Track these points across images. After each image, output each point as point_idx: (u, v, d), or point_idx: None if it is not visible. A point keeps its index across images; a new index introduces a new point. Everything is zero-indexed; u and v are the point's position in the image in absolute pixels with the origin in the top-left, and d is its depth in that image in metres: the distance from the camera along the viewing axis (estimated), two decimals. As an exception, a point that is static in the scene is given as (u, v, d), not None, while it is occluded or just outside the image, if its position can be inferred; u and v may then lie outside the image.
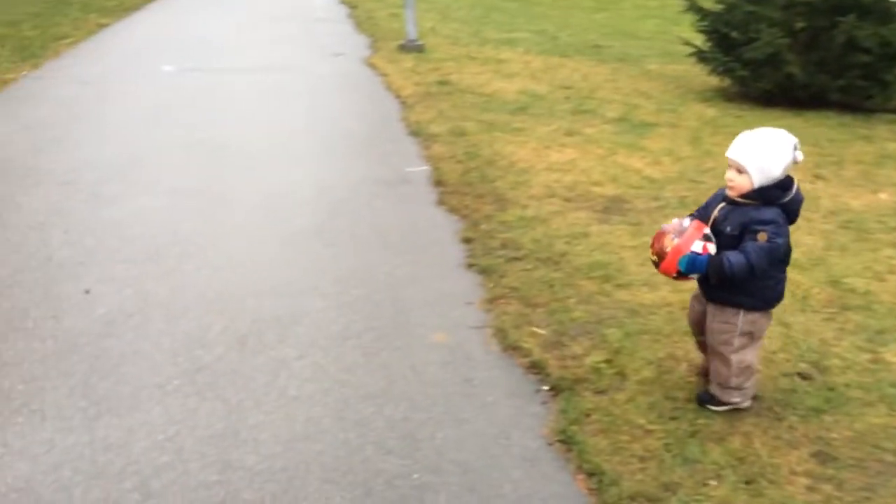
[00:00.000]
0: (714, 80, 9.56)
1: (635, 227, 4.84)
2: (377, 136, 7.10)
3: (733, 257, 2.79)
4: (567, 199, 5.28)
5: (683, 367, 3.32)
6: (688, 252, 2.80)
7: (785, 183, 2.85)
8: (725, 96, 8.96)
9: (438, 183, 5.70)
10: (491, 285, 4.10)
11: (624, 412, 3.01)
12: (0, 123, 7.09)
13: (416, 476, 2.74)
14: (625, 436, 2.89)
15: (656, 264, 2.89)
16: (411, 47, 11.29)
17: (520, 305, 3.87)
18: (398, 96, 8.48)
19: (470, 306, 3.91)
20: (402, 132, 7.14)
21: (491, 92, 8.61)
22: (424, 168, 6.08)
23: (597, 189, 5.50)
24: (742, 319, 2.92)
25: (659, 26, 15.48)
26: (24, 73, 9.28)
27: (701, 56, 9.28)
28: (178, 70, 9.75)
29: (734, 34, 8.78)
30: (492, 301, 3.94)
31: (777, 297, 2.97)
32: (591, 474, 2.71)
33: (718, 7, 9.14)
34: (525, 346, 3.50)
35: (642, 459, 2.77)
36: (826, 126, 7.82)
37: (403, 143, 6.81)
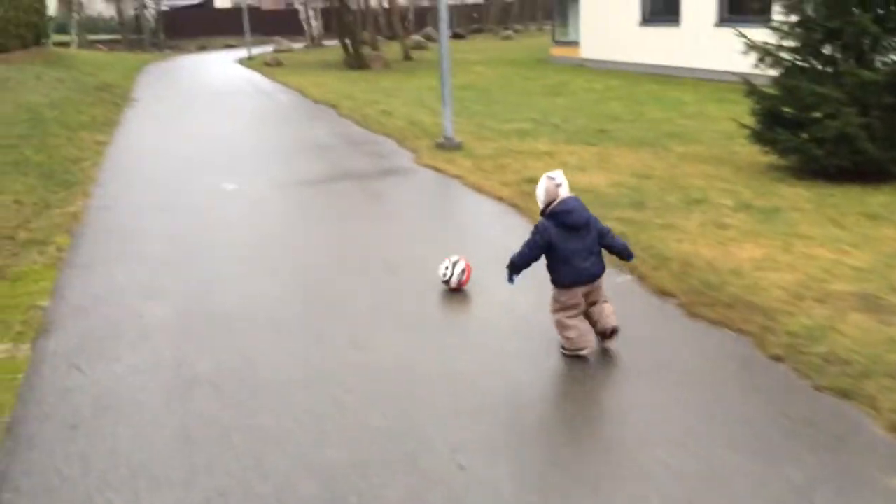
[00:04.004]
0: (763, 158, 9.82)
1: (920, 323, 4.71)
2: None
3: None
4: (819, 300, 5.10)
5: None
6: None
7: (548, 203, 4.40)
8: (793, 174, 9.15)
9: (663, 293, 5.42)
10: (874, 413, 3.81)
11: None
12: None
13: None
14: None
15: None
16: (450, 145, 11.07)
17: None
18: (499, 198, 8.19)
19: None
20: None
21: (585, 187, 8.45)
22: (627, 278, 5.79)
23: (830, 286, 5.35)
24: (553, 290, 4.51)
25: (628, 107, 15.94)
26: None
27: (759, 136, 9.51)
28: (241, 188, 9.13)
29: (794, 114, 9.10)
30: None
31: (565, 281, 4.41)
32: None
33: (773, 90, 9.45)
34: None
35: None
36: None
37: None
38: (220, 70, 29.46)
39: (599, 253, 4.51)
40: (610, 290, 5.55)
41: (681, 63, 21.25)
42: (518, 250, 4.45)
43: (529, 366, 4.45)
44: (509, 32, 46.78)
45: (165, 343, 4.82)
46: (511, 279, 4.54)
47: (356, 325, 5.03)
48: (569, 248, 4.33)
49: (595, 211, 7.71)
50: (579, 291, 4.41)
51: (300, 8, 46.52)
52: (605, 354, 4.56)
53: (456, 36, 46.95)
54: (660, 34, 22.30)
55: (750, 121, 9.83)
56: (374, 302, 5.44)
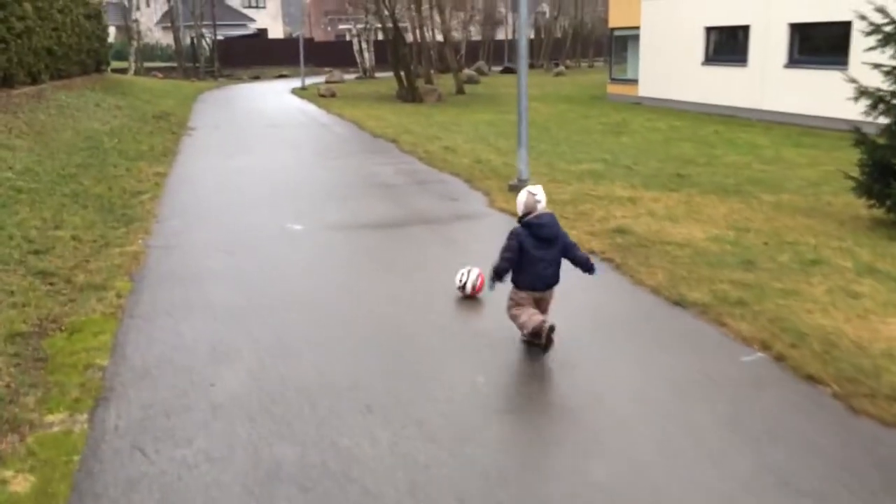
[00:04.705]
0: (864, 212, 8.98)
1: None
2: (629, 309, 6.01)
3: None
4: None
5: None
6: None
7: (525, 213, 4.96)
8: (905, 230, 8.29)
9: (810, 378, 4.62)
10: None
11: None
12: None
13: None
14: None
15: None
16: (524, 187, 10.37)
17: None
18: (590, 251, 7.43)
19: None
20: (656, 303, 6.07)
21: (682, 241, 7.68)
22: (759, 355, 5.00)
23: None
24: (511, 289, 5.01)
25: (699, 150, 15.15)
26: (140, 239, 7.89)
27: (867, 188, 8.67)
28: (306, 229, 8.53)
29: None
30: None
31: (525, 284, 4.97)
32: None
33: (883, 140, 8.63)
34: None
35: None
36: None
37: (679, 319, 5.72)
38: (275, 100, 29.31)
39: (559, 264, 5.03)
40: (742, 371, 4.79)
41: (747, 104, 20.42)
42: (498, 260, 4.98)
43: (673, 476, 3.69)
44: (561, 68, 46.23)
45: (241, 421, 4.16)
46: (492, 286, 5.06)
47: (459, 410, 4.31)
48: (536, 255, 4.87)
49: (701, 271, 7.00)
50: (534, 295, 4.98)
51: (354, 40, 46.57)
52: (769, 467, 3.77)
53: (508, 70, 46.55)
54: (724, 74, 21.50)
55: (854, 171, 9.01)
56: (472, 379, 4.72)
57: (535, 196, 4.96)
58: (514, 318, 4.98)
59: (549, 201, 9.98)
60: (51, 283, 6.37)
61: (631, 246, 7.53)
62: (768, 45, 19.81)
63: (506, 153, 14.31)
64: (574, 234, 7.97)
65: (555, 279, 5.02)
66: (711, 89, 21.86)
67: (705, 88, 22.14)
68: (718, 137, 17.06)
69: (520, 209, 5.03)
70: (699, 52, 22.56)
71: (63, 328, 5.52)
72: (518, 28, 10.75)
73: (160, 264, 7.11)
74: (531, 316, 4.86)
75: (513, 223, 9.11)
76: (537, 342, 4.85)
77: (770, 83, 19.84)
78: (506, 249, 4.92)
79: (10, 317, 5.49)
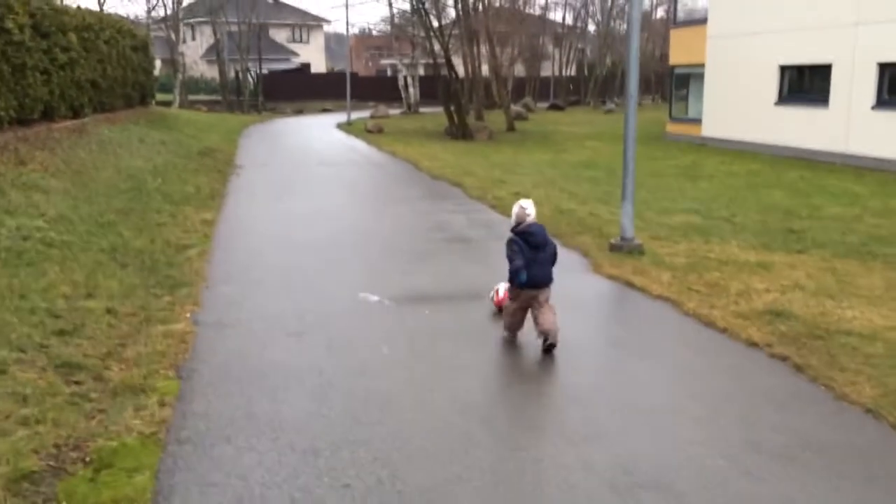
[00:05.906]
0: None
1: None
2: (850, 445, 4.34)
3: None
4: None
5: None
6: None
7: (517, 223, 5.69)
8: None
9: None
10: None
11: None
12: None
13: None
14: None
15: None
16: (630, 248, 8.76)
17: None
18: (749, 342, 5.79)
19: None
20: (884, 435, 4.39)
21: (864, 331, 5.99)
22: None
23: None
24: (507, 286, 5.87)
25: (793, 198, 13.46)
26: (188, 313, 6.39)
27: None
28: (385, 301, 6.98)
29: None
30: None
31: (519, 284, 5.57)
32: None
33: None
34: None
35: None
36: None
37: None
38: (321, 135, 28.07)
39: (550, 265, 5.70)
40: None
41: (828, 147, 18.68)
42: (511, 266, 5.59)
43: None
44: (612, 106, 44.66)
45: None
46: (521, 284, 5.58)
47: None
48: (529, 258, 5.55)
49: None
50: (527, 293, 5.62)
51: (399, 75, 45.49)
52: None
53: (554, 107, 45.24)
54: (801, 115, 19.79)
55: None
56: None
57: (525, 210, 5.69)
58: (506, 310, 5.89)
59: (661, 265, 8.40)
60: (76, 383, 4.86)
61: (801, 337, 5.86)
62: (853, 85, 18.14)
63: (585, 201, 12.76)
64: (720, 316, 6.36)
65: (546, 279, 5.66)
66: (786, 131, 20.16)
67: (779, 130, 20.44)
68: (807, 184, 15.36)
69: (513, 221, 5.76)
70: (772, 92, 20.88)
71: (88, 459, 4.00)
72: (628, 63, 9.17)
73: (213, 352, 5.59)
74: (513, 324, 5.84)
75: (636, 297, 7.52)
76: (505, 335, 5.88)
77: (856, 126, 18.12)
78: (511, 255, 5.60)
79: (18, 444, 3.97)
